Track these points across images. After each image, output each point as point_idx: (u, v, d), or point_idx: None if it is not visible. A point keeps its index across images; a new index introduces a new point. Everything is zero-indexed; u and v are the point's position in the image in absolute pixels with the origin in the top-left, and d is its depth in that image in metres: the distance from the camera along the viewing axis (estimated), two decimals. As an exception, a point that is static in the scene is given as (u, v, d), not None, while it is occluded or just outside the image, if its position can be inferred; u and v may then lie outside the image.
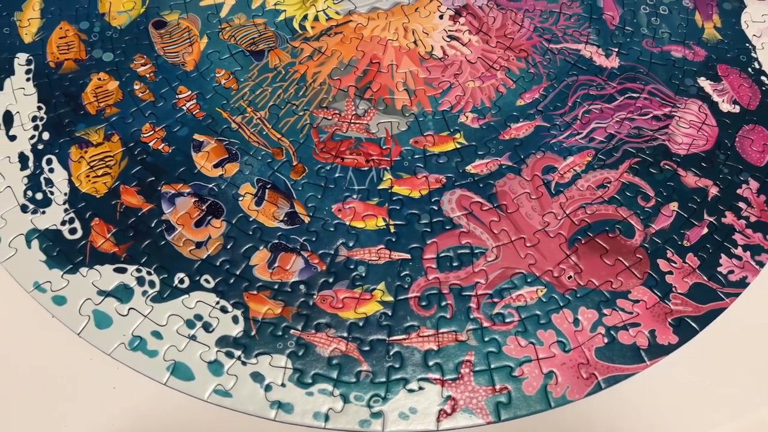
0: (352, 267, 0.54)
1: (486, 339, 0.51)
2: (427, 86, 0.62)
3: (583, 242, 0.55)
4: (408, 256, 0.54)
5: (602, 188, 0.58)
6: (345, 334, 0.51)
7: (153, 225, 0.54)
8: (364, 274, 0.53)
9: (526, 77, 0.63)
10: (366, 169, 0.58)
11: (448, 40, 0.65)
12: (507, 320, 0.52)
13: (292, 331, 0.51)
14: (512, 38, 0.65)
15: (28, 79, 0.60)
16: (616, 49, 0.65)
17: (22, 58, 0.61)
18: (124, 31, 0.63)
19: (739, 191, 0.58)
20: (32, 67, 0.61)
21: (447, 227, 0.56)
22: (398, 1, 0.66)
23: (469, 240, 0.55)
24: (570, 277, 0.54)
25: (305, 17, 0.65)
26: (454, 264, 0.54)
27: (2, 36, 0.62)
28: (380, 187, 0.57)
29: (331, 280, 0.53)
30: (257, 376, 0.49)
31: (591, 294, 0.53)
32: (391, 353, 0.50)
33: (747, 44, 0.66)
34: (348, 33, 0.65)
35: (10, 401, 0.49)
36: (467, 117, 0.61)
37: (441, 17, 0.66)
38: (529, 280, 0.53)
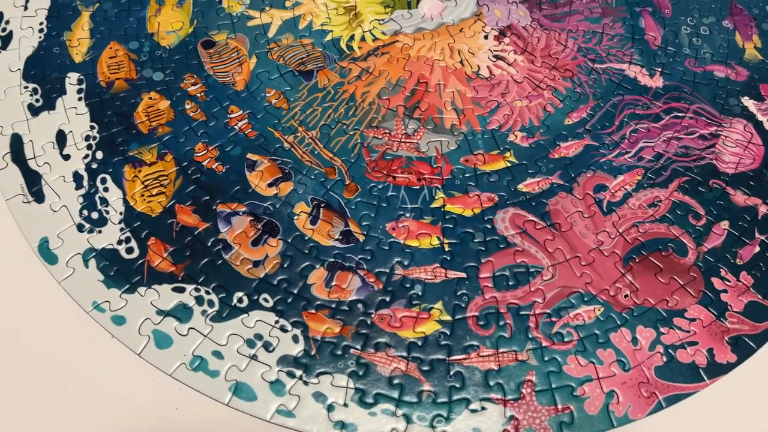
0: (408, 286, 0.54)
1: (546, 358, 0.51)
2: (475, 105, 0.63)
3: (637, 261, 0.55)
4: (464, 275, 0.54)
5: (653, 207, 0.58)
6: (404, 354, 0.51)
7: (210, 244, 0.55)
8: (421, 293, 0.53)
9: (572, 97, 0.64)
10: (418, 187, 0.58)
11: (494, 59, 0.65)
12: (566, 339, 0.52)
13: (351, 351, 0.51)
14: (557, 58, 0.66)
15: (79, 99, 0.61)
16: (660, 69, 0.65)
17: (73, 77, 0.62)
18: (173, 50, 0.64)
19: (788, 210, 0.58)
20: (83, 86, 0.61)
21: (501, 246, 0.56)
22: (443, 21, 0.67)
23: (524, 259, 0.55)
24: (626, 296, 0.54)
25: (352, 37, 0.66)
26: (511, 283, 0.54)
27: (53, 56, 0.63)
28: (433, 205, 0.58)
29: (388, 299, 0.53)
30: (319, 396, 0.49)
31: (648, 312, 0.53)
32: (452, 373, 0.50)
33: (788, 64, 0.67)
34: (395, 53, 0.65)
35: (73, 423, 0.49)
36: (516, 136, 0.61)
37: (486, 37, 0.67)
38: (586, 299, 0.53)
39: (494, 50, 0.66)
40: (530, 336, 0.52)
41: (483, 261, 0.55)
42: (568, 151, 0.61)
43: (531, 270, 0.55)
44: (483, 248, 0.56)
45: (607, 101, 0.63)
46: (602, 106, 0.63)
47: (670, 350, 0.52)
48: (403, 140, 0.61)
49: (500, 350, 0.51)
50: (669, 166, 0.60)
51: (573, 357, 0.51)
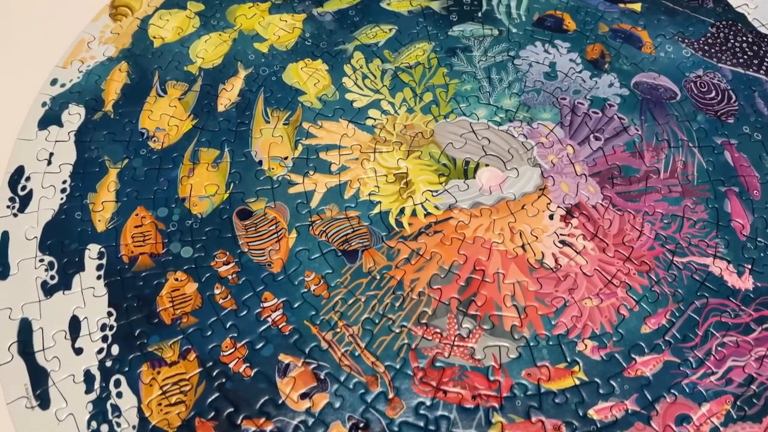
0: None
1: None
2: (539, 303, 0.55)
3: None
4: None
5: (746, 448, 0.50)
6: None
7: (231, 473, 0.48)
8: None
9: (649, 297, 0.56)
10: (472, 407, 0.51)
11: (560, 246, 0.58)
12: None
13: None
14: (632, 247, 0.58)
15: (98, 277, 0.55)
16: (749, 266, 0.58)
17: (93, 250, 0.56)
18: (205, 220, 0.58)
19: None
20: (104, 261, 0.55)
21: (569, 493, 0.48)
22: (503, 196, 0.60)
23: None
24: None
25: (402, 211, 0.59)
26: None
27: (74, 222, 0.57)
28: (489, 432, 0.50)
29: None
30: None
31: None
32: None
33: None
34: (448, 232, 0.58)
35: None
36: (586, 345, 0.54)
37: (551, 217, 0.60)
38: None
39: (561, 234, 0.59)
40: None
41: None
42: (645, 369, 0.53)
43: None
44: (547, 495, 0.48)
45: (689, 305, 0.56)
46: (684, 311, 0.55)
47: None
48: (456, 343, 0.54)
49: None
50: (762, 394, 0.52)
51: None
